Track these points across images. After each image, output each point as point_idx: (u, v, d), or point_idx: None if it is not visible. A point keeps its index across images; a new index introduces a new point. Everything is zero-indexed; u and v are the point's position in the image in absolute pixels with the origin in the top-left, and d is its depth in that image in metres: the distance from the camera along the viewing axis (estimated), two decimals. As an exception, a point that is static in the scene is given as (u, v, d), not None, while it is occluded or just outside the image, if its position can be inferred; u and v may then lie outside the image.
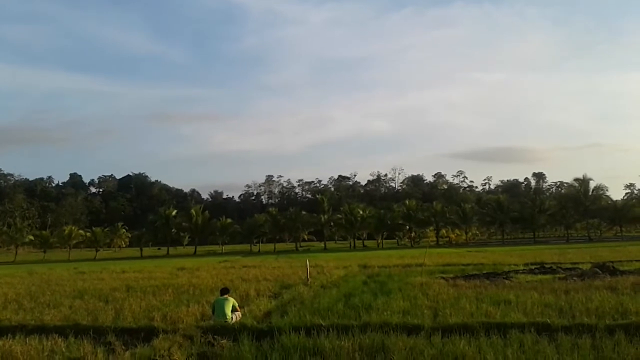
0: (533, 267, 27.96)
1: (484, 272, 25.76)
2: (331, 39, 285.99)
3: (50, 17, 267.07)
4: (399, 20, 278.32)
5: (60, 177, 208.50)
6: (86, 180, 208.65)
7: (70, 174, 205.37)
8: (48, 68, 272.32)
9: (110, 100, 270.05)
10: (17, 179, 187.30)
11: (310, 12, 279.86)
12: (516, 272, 25.49)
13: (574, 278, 20.48)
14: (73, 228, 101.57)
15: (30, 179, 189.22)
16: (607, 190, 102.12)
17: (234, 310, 13.38)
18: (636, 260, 30.23)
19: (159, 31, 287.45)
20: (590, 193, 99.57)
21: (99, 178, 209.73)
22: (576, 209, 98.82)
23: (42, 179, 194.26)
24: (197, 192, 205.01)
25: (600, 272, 21.90)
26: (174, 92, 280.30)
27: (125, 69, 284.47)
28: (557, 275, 22.44)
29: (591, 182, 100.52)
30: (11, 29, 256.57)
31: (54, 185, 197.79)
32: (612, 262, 27.13)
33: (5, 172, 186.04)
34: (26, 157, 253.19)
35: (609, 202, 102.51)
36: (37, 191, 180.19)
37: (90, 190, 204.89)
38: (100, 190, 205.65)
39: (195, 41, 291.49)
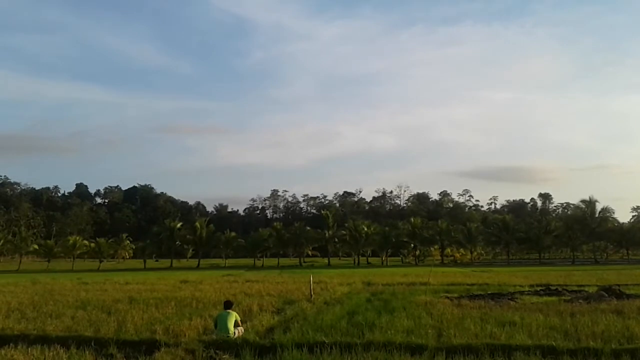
0: (538, 288, 27.73)
1: (489, 292, 25.56)
2: (339, 54, 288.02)
3: (59, 27, 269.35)
4: (408, 37, 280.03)
5: (67, 186, 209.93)
6: (92, 190, 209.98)
7: (77, 184, 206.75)
8: (56, 78, 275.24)
9: (117, 111, 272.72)
10: (23, 187, 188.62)
11: (319, 28, 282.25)
12: (521, 293, 25.28)
13: (580, 301, 20.27)
14: (77, 238, 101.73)
15: (37, 188, 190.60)
16: (613, 212, 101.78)
17: (236, 325, 13.30)
18: (643, 284, 29.93)
19: (167, 43, 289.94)
20: (596, 215, 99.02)
21: (105, 189, 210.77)
22: (582, 230, 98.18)
23: (48, 188, 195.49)
24: (202, 205, 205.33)
25: (606, 295, 21.67)
26: (181, 104, 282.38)
27: (133, 80, 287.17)
28: (563, 298, 22.21)
29: (597, 204, 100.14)
30: (21, 38, 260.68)
31: (60, 194, 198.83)
32: (619, 285, 26.84)
33: (11, 181, 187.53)
34: (33, 166, 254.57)
35: (616, 224, 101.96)
36: (43, 200, 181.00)
37: (96, 201, 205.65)
38: (106, 200, 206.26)
39: (203, 54, 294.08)
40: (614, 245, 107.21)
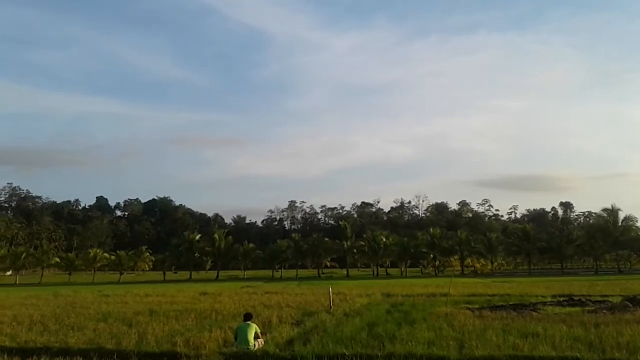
0: (561, 299, 27.33)
1: (511, 303, 25.22)
2: (355, 65, 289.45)
3: (77, 42, 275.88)
4: (423, 47, 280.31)
5: (87, 200, 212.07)
6: (112, 203, 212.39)
7: (97, 197, 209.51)
8: (74, 91, 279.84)
9: (136, 124, 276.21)
10: (44, 201, 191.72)
11: (333, 39, 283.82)
12: (544, 303, 24.91)
13: (604, 311, 19.93)
14: (98, 251, 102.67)
15: (58, 201, 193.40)
16: (636, 220, 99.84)
17: (256, 336, 13.32)
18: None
19: (184, 56, 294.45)
20: (619, 223, 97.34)
21: (125, 201, 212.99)
22: (605, 239, 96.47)
23: (69, 201, 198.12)
24: (221, 217, 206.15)
25: (631, 305, 21.27)
26: (198, 116, 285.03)
27: (150, 93, 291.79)
28: (587, 308, 21.86)
29: (620, 212, 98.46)
30: (39, 53, 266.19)
31: (80, 208, 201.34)
32: (644, 295, 26.34)
33: (33, 195, 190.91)
34: (54, 179, 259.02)
35: (639, 233, 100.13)
36: (64, 214, 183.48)
37: (116, 214, 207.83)
38: (126, 213, 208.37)
39: (220, 66, 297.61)
40: (637, 254, 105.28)
